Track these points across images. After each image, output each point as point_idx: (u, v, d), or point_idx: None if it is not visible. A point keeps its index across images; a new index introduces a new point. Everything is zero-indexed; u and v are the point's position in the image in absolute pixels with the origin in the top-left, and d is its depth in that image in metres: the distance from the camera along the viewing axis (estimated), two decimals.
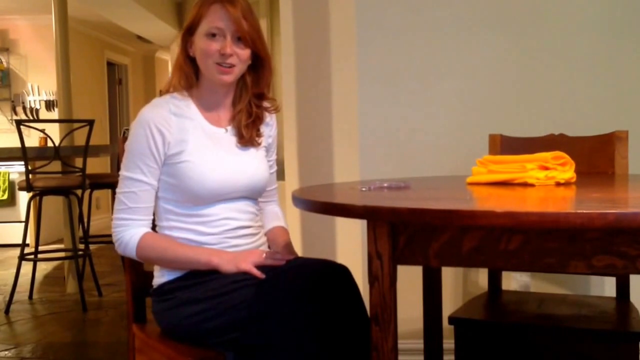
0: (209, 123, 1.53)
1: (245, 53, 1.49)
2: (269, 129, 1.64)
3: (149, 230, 1.50)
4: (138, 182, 1.46)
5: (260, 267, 1.41)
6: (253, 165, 1.55)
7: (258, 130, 1.58)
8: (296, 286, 1.33)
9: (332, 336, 1.33)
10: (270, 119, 1.64)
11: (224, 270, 1.42)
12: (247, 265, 1.41)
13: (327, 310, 1.34)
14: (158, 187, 1.50)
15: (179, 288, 1.48)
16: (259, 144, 1.58)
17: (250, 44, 1.48)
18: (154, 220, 1.55)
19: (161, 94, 1.55)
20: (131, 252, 1.48)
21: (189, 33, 1.51)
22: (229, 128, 1.56)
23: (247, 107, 1.56)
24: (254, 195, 1.57)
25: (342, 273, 1.43)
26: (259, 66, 1.55)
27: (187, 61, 1.52)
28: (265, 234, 1.65)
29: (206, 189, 1.46)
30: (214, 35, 1.46)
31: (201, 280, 1.45)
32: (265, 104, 1.60)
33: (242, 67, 1.51)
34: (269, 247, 1.63)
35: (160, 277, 1.53)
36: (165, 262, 1.49)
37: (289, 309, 1.30)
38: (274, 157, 1.69)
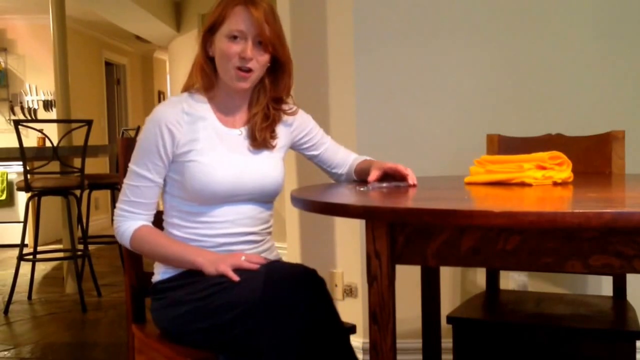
0: (222, 124, 1.52)
1: (264, 58, 1.48)
2: (288, 129, 1.62)
3: (147, 224, 1.51)
4: (142, 178, 1.48)
5: (237, 270, 1.38)
6: (264, 167, 1.53)
7: (273, 131, 1.56)
8: (265, 291, 1.29)
9: (305, 341, 1.28)
10: (291, 119, 1.62)
11: (206, 271, 1.42)
12: (225, 268, 1.39)
13: (296, 312, 1.29)
14: (166, 183, 1.52)
15: (170, 288, 1.49)
16: (273, 147, 1.56)
17: (271, 48, 1.48)
18: (161, 215, 1.57)
19: (182, 91, 1.55)
20: (125, 242, 1.51)
21: (210, 32, 1.49)
22: (244, 130, 1.55)
23: (265, 109, 1.55)
24: (263, 198, 1.55)
25: (313, 277, 1.38)
26: (279, 70, 1.54)
27: (207, 61, 1.51)
28: (355, 172, 1.68)
29: (210, 189, 1.46)
30: (235, 37, 1.45)
31: (188, 282, 1.46)
32: (283, 107, 1.59)
33: (259, 72, 1.50)
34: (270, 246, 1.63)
35: (156, 275, 1.55)
36: (157, 258, 1.52)
37: (256, 314, 1.28)
38: (320, 133, 1.70)
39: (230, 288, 1.35)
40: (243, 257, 1.41)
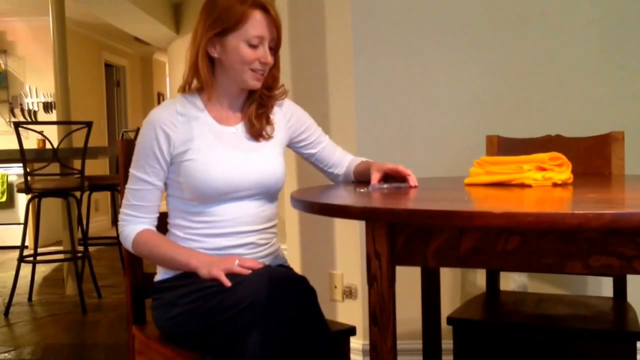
0: (217, 122, 1.53)
1: (273, 58, 1.53)
2: (285, 123, 1.63)
3: (149, 227, 1.52)
4: (142, 181, 1.50)
5: (230, 275, 1.38)
6: (262, 161, 1.53)
7: (268, 118, 1.58)
8: (253, 297, 1.30)
9: (290, 348, 1.30)
10: (288, 114, 1.64)
11: (201, 274, 1.42)
12: (218, 272, 1.39)
13: (282, 319, 1.30)
14: (167, 186, 1.53)
15: (166, 289, 1.50)
16: (270, 136, 1.57)
17: (277, 48, 1.54)
18: (166, 218, 1.58)
19: (178, 91, 1.57)
20: (128, 246, 1.53)
21: (218, 34, 1.48)
22: (239, 126, 1.56)
23: (258, 98, 1.57)
24: (264, 194, 1.55)
25: (303, 284, 1.39)
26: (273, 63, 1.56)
27: (206, 61, 1.50)
28: (353, 174, 1.69)
29: (209, 186, 1.46)
30: (255, 43, 1.47)
31: (182, 283, 1.47)
32: (274, 92, 1.61)
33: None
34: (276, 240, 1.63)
35: (157, 274, 1.57)
36: (156, 260, 1.53)
37: (244, 319, 1.29)
38: (318, 131, 1.70)
39: (221, 292, 1.36)
40: (237, 262, 1.41)
